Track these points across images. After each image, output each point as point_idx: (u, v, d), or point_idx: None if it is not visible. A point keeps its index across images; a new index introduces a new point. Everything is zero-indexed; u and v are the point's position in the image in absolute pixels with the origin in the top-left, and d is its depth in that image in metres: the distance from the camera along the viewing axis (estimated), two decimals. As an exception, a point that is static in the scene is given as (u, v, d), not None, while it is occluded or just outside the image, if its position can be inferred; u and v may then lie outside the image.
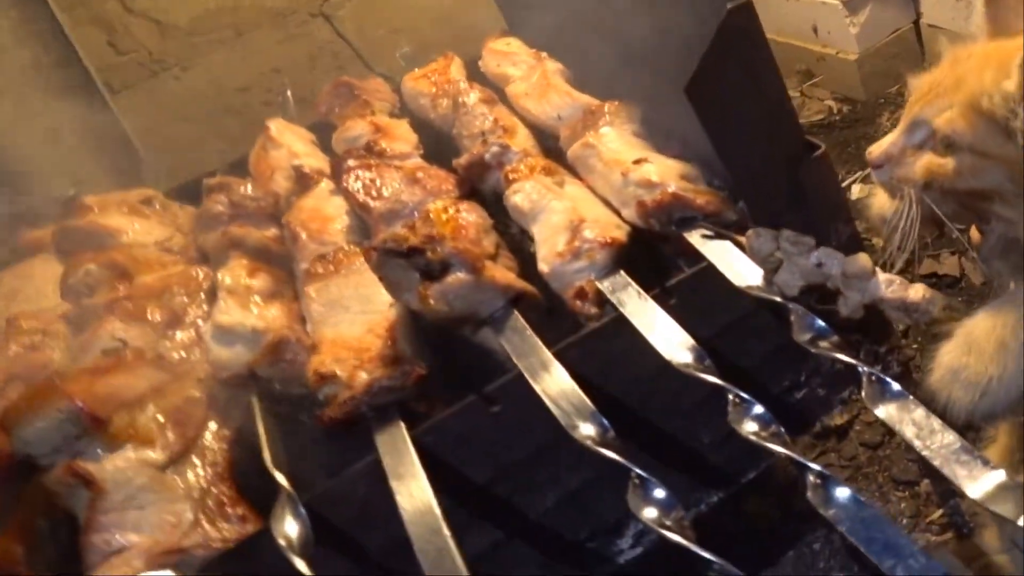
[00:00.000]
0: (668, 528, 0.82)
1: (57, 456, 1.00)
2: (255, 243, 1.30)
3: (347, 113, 1.60)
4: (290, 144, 1.58)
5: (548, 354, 0.99)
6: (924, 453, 0.80)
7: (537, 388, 0.96)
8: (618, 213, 1.18)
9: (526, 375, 0.98)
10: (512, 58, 1.63)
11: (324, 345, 1.09)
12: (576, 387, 0.95)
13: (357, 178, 1.30)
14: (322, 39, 2.45)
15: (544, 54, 1.58)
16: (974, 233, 1.17)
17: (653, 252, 1.18)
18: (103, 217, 1.48)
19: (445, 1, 2.31)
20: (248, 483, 1.02)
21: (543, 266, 1.13)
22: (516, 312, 1.06)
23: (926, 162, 0.94)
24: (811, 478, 0.82)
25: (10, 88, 1.97)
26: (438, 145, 1.50)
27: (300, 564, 0.85)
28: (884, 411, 0.85)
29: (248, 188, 1.44)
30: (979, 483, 0.76)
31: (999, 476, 0.75)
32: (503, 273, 1.08)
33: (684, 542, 0.80)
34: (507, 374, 1.02)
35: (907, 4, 2.23)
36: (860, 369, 0.88)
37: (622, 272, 1.09)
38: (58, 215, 1.56)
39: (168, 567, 0.92)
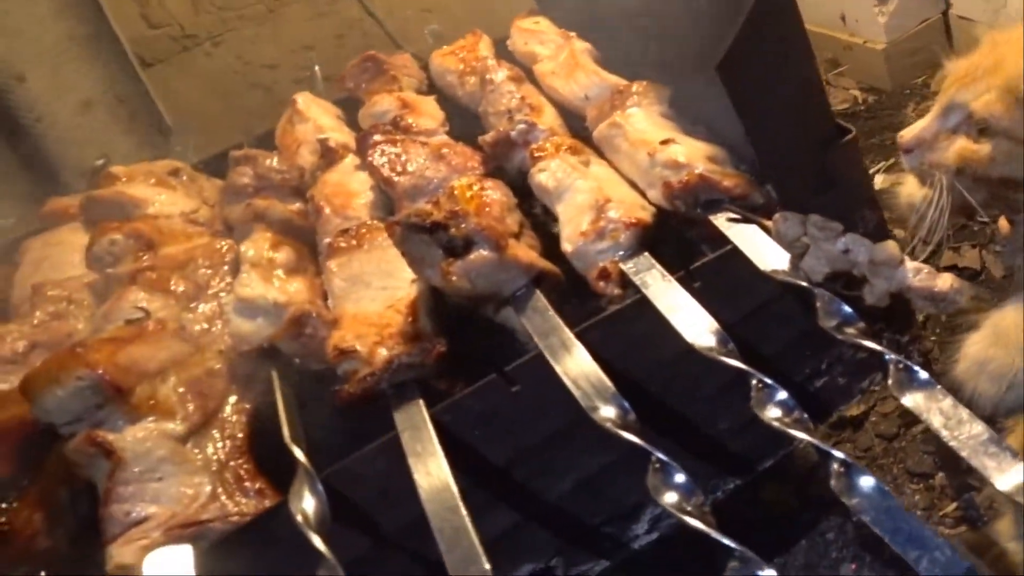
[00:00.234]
0: (689, 514, 0.81)
1: (78, 425, 1.00)
2: (279, 216, 1.30)
3: (374, 88, 1.59)
4: (316, 118, 1.57)
5: (570, 335, 0.98)
6: (952, 444, 0.79)
7: (558, 369, 0.95)
8: (643, 194, 1.17)
9: (547, 355, 0.97)
10: (540, 37, 1.61)
11: (345, 320, 1.09)
12: (598, 369, 0.94)
13: (383, 153, 1.29)
14: (352, 17, 2.45)
15: (572, 34, 1.56)
16: (1003, 223, 1.15)
17: (678, 234, 1.16)
18: (130, 187, 1.48)
19: (474, -19, 2.30)
20: (266, 457, 1.02)
21: (567, 245, 1.11)
22: (538, 292, 1.05)
23: (960, 147, 0.92)
24: (835, 466, 0.81)
25: (45, 59, 1.98)
26: (464, 122, 1.49)
27: (316, 540, 0.84)
28: (911, 400, 0.84)
29: (274, 161, 1.43)
30: (1008, 475, 0.75)
31: (1028, 468, 0.74)
32: (526, 252, 1.07)
33: (705, 528, 0.79)
34: (528, 354, 1.01)
35: (937, -6, 2.20)
36: (887, 357, 0.86)
37: (646, 254, 1.07)
38: (87, 184, 1.56)
39: (186, 540, 0.92)
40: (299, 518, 0.87)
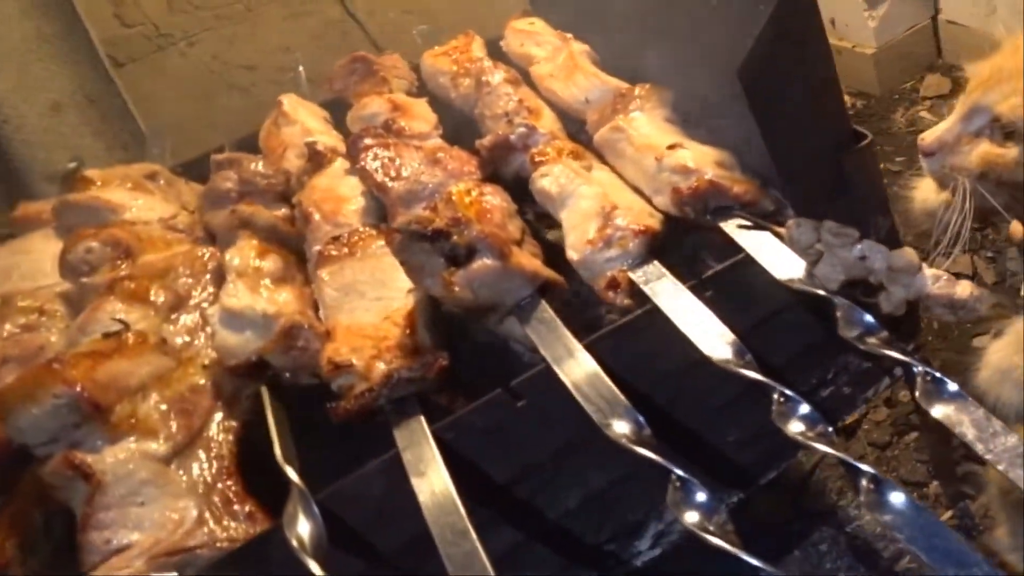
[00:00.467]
0: (711, 532, 0.78)
1: (54, 446, 0.95)
2: (265, 222, 1.24)
3: (363, 90, 1.54)
4: (304, 120, 1.53)
5: (578, 346, 0.94)
6: (987, 457, 0.76)
7: (567, 382, 0.91)
8: (649, 200, 1.13)
9: (555, 368, 0.93)
10: (536, 38, 1.57)
11: (339, 332, 1.04)
12: (609, 382, 0.90)
13: (375, 157, 1.24)
14: (332, 18, 2.41)
15: (569, 35, 1.53)
16: (1016, 227, 1.14)
17: (685, 242, 1.13)
18: (105, 192, 1.42)
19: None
20: (256, 479, 0.98)
21: (572, 254, 1.08)
22: (544, 302, 1.01)
23: (984, 151, 0.90)
24: (864, 482, 0.77)
25: (12, 58, 1.91)
26: (458, 126, 1.45)
27: (313, 566, 0.80)
28: (941, 411, 0.80)
29: (259, 165, 1.38)
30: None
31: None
32: (530, 260, 1.03)
33: (730, 548, 0.76)
34: (534, 367, 0.97)
35: (927, -1, 2.23)
36: (915, 368, 0.83)
37: (656, 262, 1.04)
38: (58, 189, 1.50)
39: (171, 568, 0.87)
40: (294, 543, 0.83)
